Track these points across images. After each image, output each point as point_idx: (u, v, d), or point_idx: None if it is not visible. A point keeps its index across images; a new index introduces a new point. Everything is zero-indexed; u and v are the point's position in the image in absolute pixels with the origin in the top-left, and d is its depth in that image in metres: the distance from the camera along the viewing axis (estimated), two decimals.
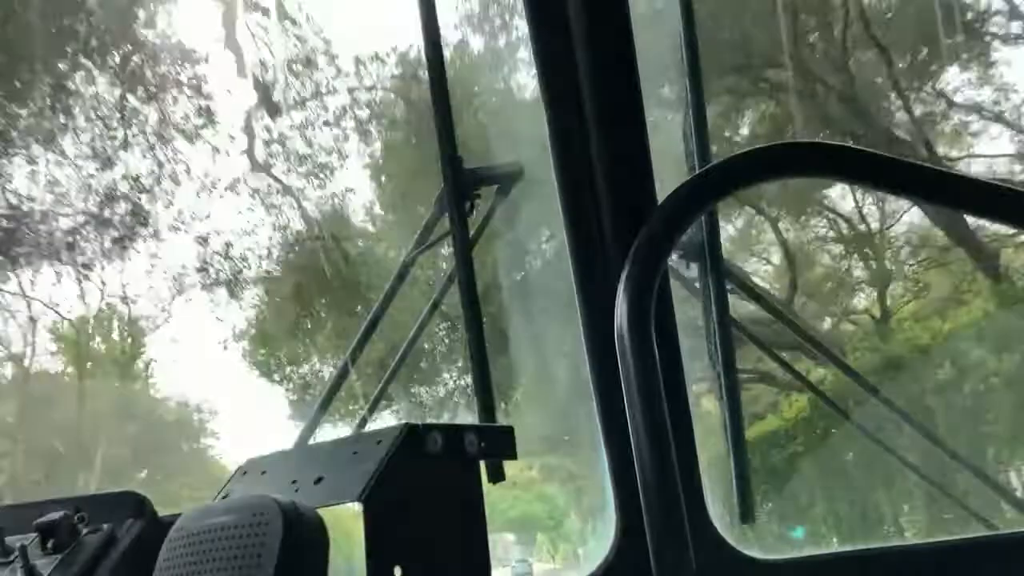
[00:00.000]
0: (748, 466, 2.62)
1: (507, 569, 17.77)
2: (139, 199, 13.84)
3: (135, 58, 13.24)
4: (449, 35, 13.52)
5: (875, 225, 16.75)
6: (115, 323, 15.93)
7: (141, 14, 13.27)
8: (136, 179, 13.66)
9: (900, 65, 14.13)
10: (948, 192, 1.69)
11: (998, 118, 14.68)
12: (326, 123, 14.65)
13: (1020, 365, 11.64)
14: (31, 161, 12.83)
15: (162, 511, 1.80)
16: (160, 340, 15.89)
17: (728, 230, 16.08)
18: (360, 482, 1.40)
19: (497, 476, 2.19)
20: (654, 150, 2.37)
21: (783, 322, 2.99)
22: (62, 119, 12.77)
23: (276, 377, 15.89)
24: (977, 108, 14.76)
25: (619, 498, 2.31)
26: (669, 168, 2.60)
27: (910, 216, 16.07)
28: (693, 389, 2.41)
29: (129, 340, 16.10)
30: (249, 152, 14.42)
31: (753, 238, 17.43)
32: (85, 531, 1.77)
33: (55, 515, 1.75)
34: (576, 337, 2.38)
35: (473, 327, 2.48)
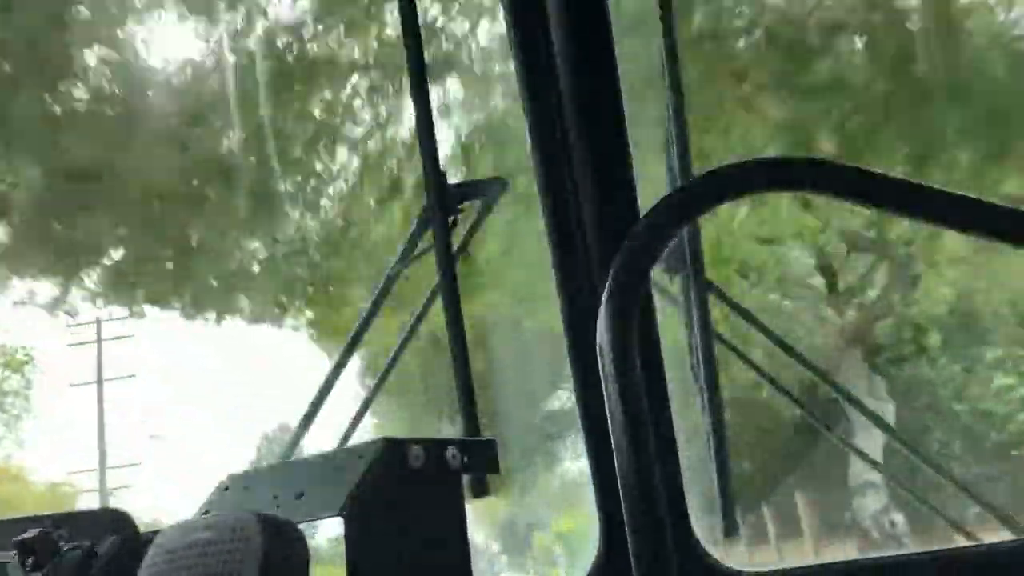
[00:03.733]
0: (731, 480, 2.62)
1: None
2: None
3: None
4: None
5: None
6: None
7: None
8: None
9: None
10: (945, 211, 1.69)
11: None
12: None
13: None
14: None
15: None
16: None
17: None
18: (341, 496, 1.39)
19: (480, 491, 2.18)
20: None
21: (764, 334, 3.00)
22: None
23: None
24: None
25: (602, 513, 2.31)
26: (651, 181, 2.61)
27: None
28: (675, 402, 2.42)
29: None
30: None
31: None
32: (65, 548, 1.75)
33: (34, 532, 1.74)
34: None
35: (457, 341, 2.48)
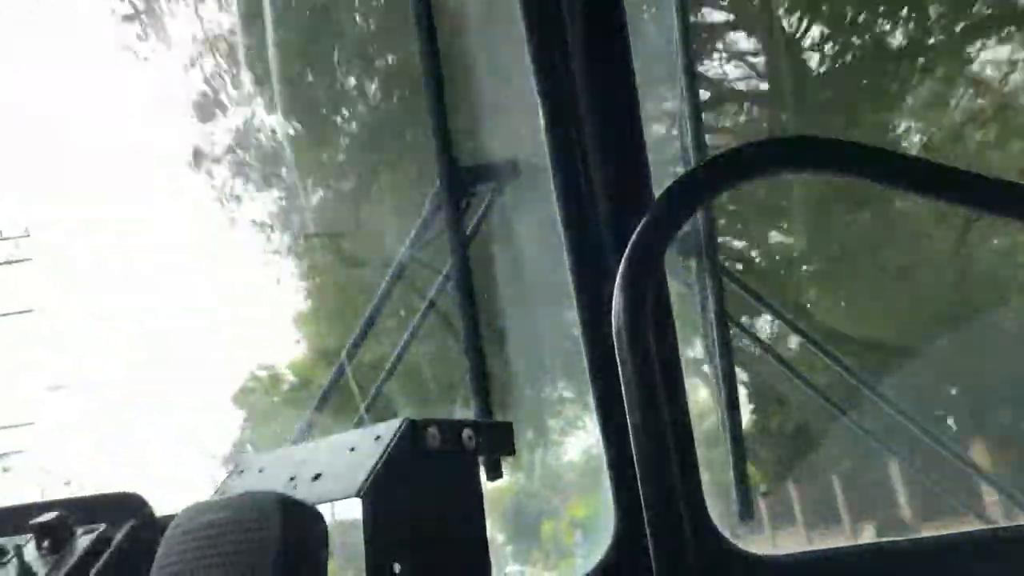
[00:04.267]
0: (746, 462, 2.61)
1: None
2: None
3: None
4: None
5: None
6: None
7: None
8: None
9: None
10: (959, 189, 1.68)
11: None
12: None
13: None
14: None
15: None
16: None
17: None
18: (359, 478, 1.39)
19: (494, 473, 2.19)
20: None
21: (779, 318, 2.99)
22: None
23: None
24: None
25: (618, 496, 2.30)
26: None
27: None
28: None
29: None
30: None
31: None
32: (81, 531, 1.76)
33: (50, 515, 1.75)
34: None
35: (469, 325, 2.48)
